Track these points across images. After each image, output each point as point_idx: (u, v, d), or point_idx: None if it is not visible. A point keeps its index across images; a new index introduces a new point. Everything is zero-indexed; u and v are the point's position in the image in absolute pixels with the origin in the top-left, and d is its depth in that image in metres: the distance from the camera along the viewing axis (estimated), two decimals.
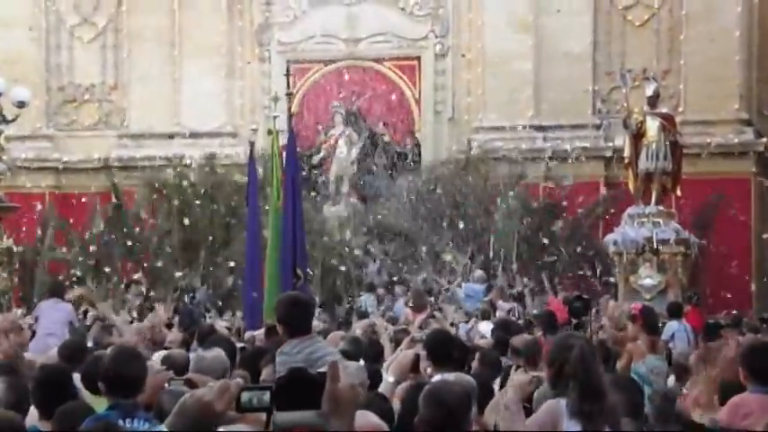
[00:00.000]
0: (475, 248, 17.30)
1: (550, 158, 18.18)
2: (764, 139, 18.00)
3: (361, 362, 5.85)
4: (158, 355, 6.51)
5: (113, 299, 16.53)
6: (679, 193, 15.20)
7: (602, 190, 17.95)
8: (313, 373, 2.18)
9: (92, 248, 17.86)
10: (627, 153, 14.99)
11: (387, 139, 19.59)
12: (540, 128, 18.50)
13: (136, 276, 18.18)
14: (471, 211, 17.56)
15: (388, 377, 4.67)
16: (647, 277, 14.65)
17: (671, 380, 7.20)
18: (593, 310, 10.22)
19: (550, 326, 8.74)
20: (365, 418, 3.68)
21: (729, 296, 16.54)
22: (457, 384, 4.03)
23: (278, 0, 20.00)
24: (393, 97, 19.65)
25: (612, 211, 16.87)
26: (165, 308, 15.71)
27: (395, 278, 17.42)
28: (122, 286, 17.52)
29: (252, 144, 13.43)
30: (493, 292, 15.35)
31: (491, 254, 17.05)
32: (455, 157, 18.64)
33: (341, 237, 17.64)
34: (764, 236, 17.33)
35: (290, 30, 20.01)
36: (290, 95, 12.56)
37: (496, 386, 5.67)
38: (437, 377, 4.87)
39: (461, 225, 17.47)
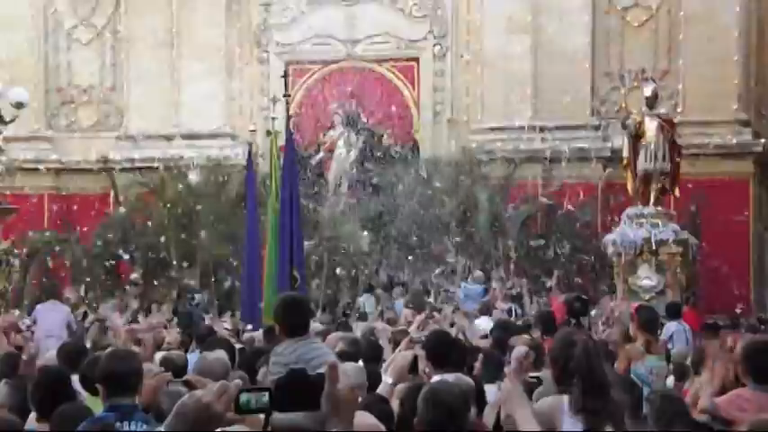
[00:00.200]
0: (474, 250, 17.32)
1: (549, 159, 18.19)
2: (763, 140, 18.00)
3: (360, 363, 5.85)
4: (157, 357, 6.51)
5: (118, 300, 16.57)
6: (678, 193, 15.20)
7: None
8: (311, 374, 2.17)
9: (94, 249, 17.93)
10: (625, 154, 14.98)
11: (386, 140, 19.58)
12: (539, 128, 18.50)
13: (133, 277, 18.19)
14: (471, 211, 17.57)
15: (387, 378, 4.67)
16: (646, 278, 14.65)
17: (670, 380, 7.21)
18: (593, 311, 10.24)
19: (549, 326, 8.74)
20: (364, 419, 3.67)
21: (728, 297, 16.55)
22: (456, 385, 4.03)
23: (276, 1, 20.00)
24: (392, 98, 19.65)
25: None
26: (164, 309, 15.75)
27: (394, 278, 17.44)
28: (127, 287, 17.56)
29: (250, 145, 13.42)
30: (491, 292, 15.37)
31: (492, 254, 17.08)
32: (454, 157, 18.64)
33: (344, 235, 17.67)
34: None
35: (288, 31, 20.01)
36: (287, 97, 12.55)
37: (496, 387, 5.66)
38: (436, 378, 4.86)
39: (461, 225, 17.49)
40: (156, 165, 19.10)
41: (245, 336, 9.48)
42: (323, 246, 17.49)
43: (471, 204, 17.63)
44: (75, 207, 19.36)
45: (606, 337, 8.68)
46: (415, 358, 4.72)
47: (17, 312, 14.00)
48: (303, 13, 20.00)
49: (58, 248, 18.51)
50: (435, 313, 11.69)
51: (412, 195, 17.97)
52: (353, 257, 17.53)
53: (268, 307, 9.55)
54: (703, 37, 17.90)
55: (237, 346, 7.92)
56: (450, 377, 4.78)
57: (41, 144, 20.06)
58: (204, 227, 17.85)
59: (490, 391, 5.55)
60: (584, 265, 17.05)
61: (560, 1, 18.62)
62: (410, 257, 17.60)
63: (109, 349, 5.11)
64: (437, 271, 17.28)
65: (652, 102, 14.94)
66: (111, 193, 19.49)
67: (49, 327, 10.80)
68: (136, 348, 6.58)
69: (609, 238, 15.23)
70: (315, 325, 11.13)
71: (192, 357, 6.89)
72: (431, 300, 15.78)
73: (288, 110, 12.55)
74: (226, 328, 10.79)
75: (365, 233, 17.95)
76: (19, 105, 13.96)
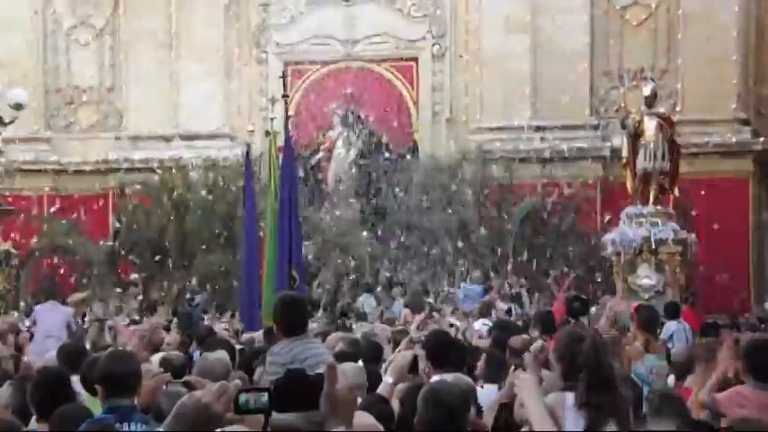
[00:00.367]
0: (471, 249, 17.32)
1: (548, 159, 18.19)
2: (762, 139, 18.02)
3: (360, 363, 5.84)
4: (156, 358, 6.51)
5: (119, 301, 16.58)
6: (677, 192, 15.20)
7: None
8: (311, 374, 2.17)
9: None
10: (624, 153, 14.98)
11: (384, 140, 19.58)
12: (538, 128, 18.51)
13: (133, 277, 18.20)
14: (469, 212, 17.58)
15: (387, 378, 4.66)
16: (646, 277, 14.65)
17: (671, 379, 7.20)
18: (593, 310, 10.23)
19: (548, 326, 8.73)
20: (362, 419, 3.67)
21: (727, 296, 16.55)
22: (455, 385, 4.03)
23: (275, 1, 19.99)
24: (391, 98, 19.65)
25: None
26: (164, 310, 15.75)
27: (393, 279, 17.44)
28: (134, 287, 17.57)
29: (249, 146, 13.42)
30: (491, 292, 15.37)
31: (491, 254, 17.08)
32: (453, 157, 18.65)
33: (343, 235, 17.69)
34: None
35: (287, 31, 20.00)
36: (285, 98, 12.54)
37: (496, 387, 5.66)
38: (435, 378, 4.86)
39: (459, 226, 17.50)
40: (155, 165, 19.11)
41: (245, 336, 9.47)
42: (322, 246, 17.50)
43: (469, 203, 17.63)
44: (74, 207, 19.33)
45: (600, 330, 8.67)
46: (415, 358, 4.72)
47: (15, 314, 14.00)
48: (302, 14, 19.99)
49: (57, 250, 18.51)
50: (435, 313, 11.71)
51: (410, 197, 17.99)
52: (353, 258, 17.53)
53: (267, 308, 9.54)
54: (702, 36, 17.90)
55: (237, 346, 7.92)
56: (449, 377, 4.78)
57: (40, 145, 20.05)
58: (202, 227, 17.85)
59: (491, 390, 5.55)
60: (584, 265, 17.05)
61: (559, 0, 18.62)
62: (412, 259, 17.60)
63: (108, 350, 5.11)
64: (432, 271, 17.27)
65: (651, 101, 14.94)
66: (111, 194, 19.49)
67: (49, 327, 10.79)
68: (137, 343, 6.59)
69: (608, 237, 15.23)
70: (314, 325, 11.15)
71: (195, 357, 6.90)
72: (430, 300, 15.78)
73: (287, 110, 12.53)
74: (225, 329, 10.79)
75: (364, 233, 17.96)
76: (18, 107, 13.97)
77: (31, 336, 11.14)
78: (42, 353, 8.24)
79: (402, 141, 19.60)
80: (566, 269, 16.41)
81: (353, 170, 19.20)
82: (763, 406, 4.31)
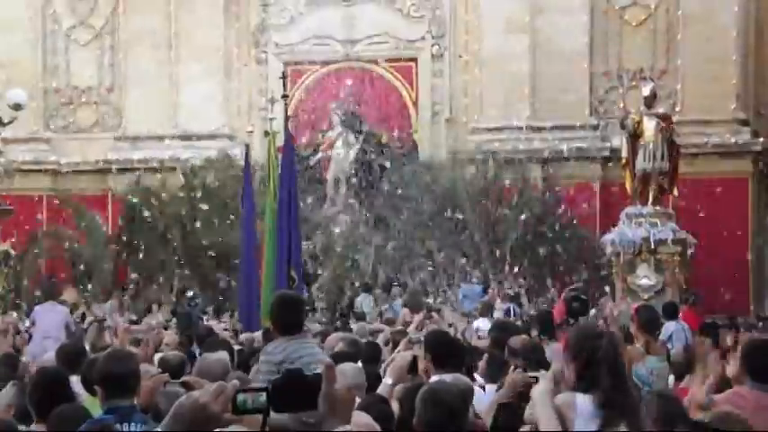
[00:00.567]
0: (472, 250, 17.33)
1: (547, 159, 18.19)
2: (761, 139, 18.02)
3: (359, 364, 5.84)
4: (154, 358, 6.50)
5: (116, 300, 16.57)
6: (676, 193, 15.20)
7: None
8: (309, 374, 2.17)
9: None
10: (624, 153, 14.98)
11: (384, 140, 19.58)
12: (537, 128, 18.51)
13: (132, 278, 18.20)
14: (469, 212, 17.58)
15: (387, 379, 4.66)
16: (645, 277, 14.65)
17: (671, 380, 7.20)
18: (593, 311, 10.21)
19: (546, 326, 8.72)
20: (360, 418, 3.66)
21: (727, 296, 16.56)
22: (454, 385, 4.02)
23: (274, 2, 19.98)
24: (390, 98, 19.64)
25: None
26: (163, 310, 15.75)
27: (392, 279, 17.44)
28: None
29: (248, 146, 13.41)
30: (490, 292, 15.37)
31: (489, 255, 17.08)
32: (452, 157, 18.66)
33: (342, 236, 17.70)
34: None
35: (286, 31, 20.00)
36: (285, 98, 12.54)
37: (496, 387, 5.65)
38: (435, 378, 4.85)
39: (458, 227, 17.51)
40: (154, 165, 19.11)
41: (246, 336, 9.47)
42: (321, 246, 17.50)
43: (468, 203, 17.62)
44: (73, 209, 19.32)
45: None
46: (415, 359, 4.72)
47: (14, 314, 14.00)
48: (301, 14, 19.99)
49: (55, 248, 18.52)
50: (434, 314, 11.70)
51: (409, 198, 18.00)
52: (352, 258, 17.53)
53: (266, 308, 9.54)
54: (702, 37, 17.91)
55: (236, 346, 7.91)
56: (447, 377, 4.77)
57: (40, 145, 20.04)
58: (201, 227, 17.86)
59: (491, 390, 5.54)
60: (583, 265, 17.05)
61: (558, 1, 18.63)
62: (410, 259, 17.60)
63: (107, 350, 5.10)
64: (431, 271, 17.27)
65: (650, 101, 14.94)
66: (110, 194, 19.49)
67: (47, 328, 10.79)
68: (134, 349, 6.58)
69: (608, 237, 15.23)
70: (314, 325, 11.15)
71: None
72: (429, 300, 15.79)
73: (286, 110, 12.53)
74: (225, 329, 10.78)
75: (363, 233, 17.96)
76: (17, 107, 13.97)
77: (30, 336, 11.14)
78: (40, 353, 8.24)
79: (401, 142, 19.60)
80: (568, 279, 16.39)
81: (353, 170, 19.19)
82: (761, 407, 4.30)
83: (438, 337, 5.64)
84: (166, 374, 4.81)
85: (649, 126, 14.62)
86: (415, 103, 19.65)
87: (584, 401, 3.54)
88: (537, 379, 4.39)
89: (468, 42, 19.28)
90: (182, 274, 17.99)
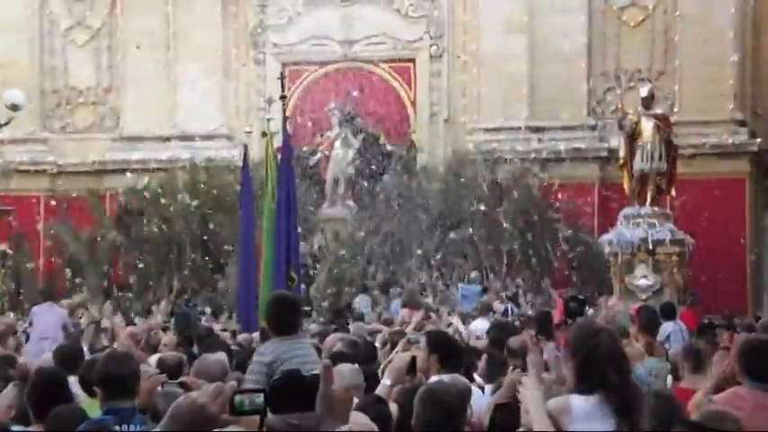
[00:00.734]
0: (469, 249, 17.34)
1: (546, 159, 18.20)
2: (759, 140, 18.03)
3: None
4: (153, 359, 6.50)
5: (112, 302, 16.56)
6: (674, 193, 15.21)
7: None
8: (307, 375, 2.17)
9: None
10: (622, 154, 14.99)
11: (382, 140, 19.58)
12: (536, 129, 18.52)
13: (131, 279, 18.19)
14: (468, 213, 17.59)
15: (385, 380, 4.65)
16: (643, 278, 14.66)
17: (670, 380, 7.20)
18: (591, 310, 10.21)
19: (545, 326, 8.72)
20: (357, 419, 3.66)
21: (725, 296, 16.56)
22: (453, 385, 4.02)
23: (272, 2, 19.97)
24: (388, 99, 19.65)
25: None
26: (162, 311, 15.74)
27: (390, 279, 17.44)
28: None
29: (246, 147, 13.41)
30: (488, 293, 15.38)
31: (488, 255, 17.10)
32: (450, 158, 18.66)
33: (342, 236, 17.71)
34: None
35: (284, 32, 19.99)
36: (283, 98, 12.53)
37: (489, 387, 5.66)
38: (434, 378, 4.85)
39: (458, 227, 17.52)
40: (152, 166, 19.09)
41: (245, 337, 9.46)
42: (320, 247, 17.50)
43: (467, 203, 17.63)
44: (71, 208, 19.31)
45: None
46: (413, 359, 4.71)
47: (11, 315, 14.00)
48: (299, 14, 19.99)
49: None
50: (432, 314, 11.70)
51: (408, 199, 18.01)
52: (350, 258, 17.53)
53: (264, 308, 9.53)
54: (699, 38, 17.92)
55: (234, 347, 7.91)
56: (446, 377, 4.77)
57: (37, 146, 20.01)
58: (198, 228, 17.87)
59: (490, 391, 5.54)
60: (580, 265, 17.06)
61: (556, 1, 18.63)
62: (409, 259, 17.60)
63: (105, 351, 5.10)
64: (430, 271, 17.28)
65: (648, 102, 14.95)
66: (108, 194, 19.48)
67: (44, 329, 10.78)
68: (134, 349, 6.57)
69: (605, 237, 15.23)
70: (312, 326, 11.14)
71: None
72: (428, 300, 15.79)
73: (284, 111, 12.52)
74: (223, 329, 10.78)
75: (362, 233, 17.96)
76: (14, 107, 13.96)
77: (27, 337, 11.14)
78: (38, 354, 8.23)
79: (400, 142, 19.60)
80: (566, 279, 16.40)
81: (351, 170, 19.19)
82: (759, 406, 4.30)
83: (441, 338, 5.64)
84: (164, 375, 4.80)
85: (647, 126, 14.63)
86: (414, 104, 19.65)
87: (580, 403, 3.46)
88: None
89: (466, 43, 19.29)
90: (180, 275, 17.97)
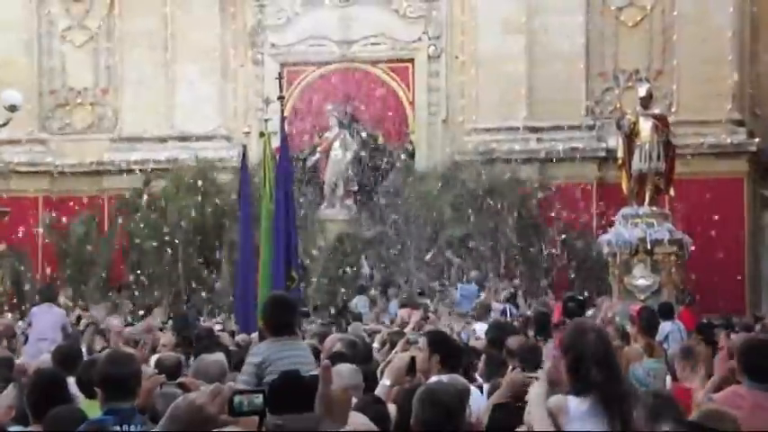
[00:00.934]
0: (468, 249, 17.34)
1: (544, 159, 18.21)
2: (757, 139, 18.04)
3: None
4: (151, 359, 6.50)
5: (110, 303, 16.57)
6: (672, 193, 15.22)
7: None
8: (305, 375, 2.17)
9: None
10: (620, 154, 15.00)
11: (381, 141, 19.57)
12: (534, 129, 18.52)
13: (130, 279, 18.18)
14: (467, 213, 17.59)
15: (385, 380, 4.65)
16: (641, 278, 14.66)
17: (669, 381, 7.20)
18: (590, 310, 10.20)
19: (543, 326, 8.73)
20: (356, 419, 3.66)
21: (723, 296, 16.57)
22: (452, 385, 4.02)
23: (270, 2, 19.97)
24: (387, 99, 19.64)
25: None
26: (160, 311, 15.74)
27: (388, 279, 17.44)
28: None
29: (244, 147, 13.41)
30: (486, 293, 15.38)
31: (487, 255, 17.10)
32: (449, 158, 18.66)
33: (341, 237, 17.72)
34: None
35: (282, 32, 19.99)
36: (281, 99, 12.52)
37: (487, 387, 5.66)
38: (434, 378, 4.85)
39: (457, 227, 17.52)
40: (150, 167, 19.08)
41: (243, 337, 9.46)
42: (319, 247, 17.49)
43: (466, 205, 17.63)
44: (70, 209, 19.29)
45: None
46: (413, 360, 4.71)
47: (10, 315, 13.99)
48: (297, 15, 19.98)
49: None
50: (431, 314, 11.70)
51: (407, 200, 18.00)
52: (349, 258, 17.53)
53: (261, 309, 9.53)
54: (697, 37, 17.93)
55: (232, 348, 7.91)
56: (445, 377, 4.77)
57: (36, 147, 19.99)
58: (197, 228, 17.86)
59: (487, 390, 5.54)
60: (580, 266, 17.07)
61: (555, 1, 18.64)
62: (408, 260, 17.61)
63: (106, 352, 5.09)
64: (429, 271, 17.28)
65: (646, 102, 14.96)
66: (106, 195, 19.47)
67: (42, 329, 10.77)
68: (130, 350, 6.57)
69: (604, 238, 15.24)
70: (311, 326, 11.13)
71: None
72: (427, 300, 15.79)
73: (282, 111, 12.51)
74: (222, 330, 10.77)
75: (360, 234, 17.96)
76: (12, 108, 13.94)
77: (26, 338, 11.13)
78: (36, 355, 8.23)
79: (398, 142, 19.60)
80: (564, 280, 16.39)
81: (350, 171, 19.19)
82: (759, 406, 4.31)
83: (442, 338, 5.64)
84: (162, 375, 4.80)
85: (645, 126, 14.64)
86: (412, 104, 19.65)
87: (576, 404, 3.51)
88: (538, 379, 4.39)
89: (464, 43, 19.30)
90: (179, 275, 17.96)
